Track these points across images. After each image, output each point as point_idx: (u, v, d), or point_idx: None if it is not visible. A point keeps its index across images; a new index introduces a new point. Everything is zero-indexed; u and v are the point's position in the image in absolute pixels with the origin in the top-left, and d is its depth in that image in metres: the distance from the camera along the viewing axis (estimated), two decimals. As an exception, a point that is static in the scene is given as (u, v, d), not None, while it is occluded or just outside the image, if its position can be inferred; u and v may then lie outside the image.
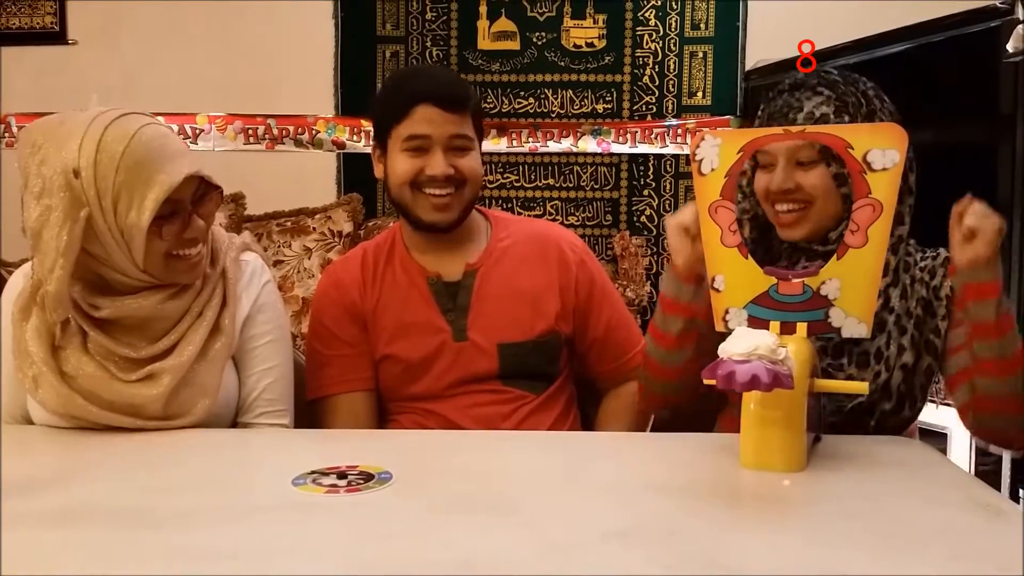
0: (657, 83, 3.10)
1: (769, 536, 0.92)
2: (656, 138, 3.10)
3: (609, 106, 3.10)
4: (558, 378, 1.53)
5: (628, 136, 3.10)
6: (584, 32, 3.12)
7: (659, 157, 3.12)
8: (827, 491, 1.05)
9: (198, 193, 1.27)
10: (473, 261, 1.54)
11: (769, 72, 2.95)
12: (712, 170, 1.19)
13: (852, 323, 1.16)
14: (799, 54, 2.82)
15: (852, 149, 1.13)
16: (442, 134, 1.44)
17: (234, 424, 1.39)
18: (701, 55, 3.09)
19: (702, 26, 3.08)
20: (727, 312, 1.20)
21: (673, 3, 3.08)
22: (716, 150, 1.18)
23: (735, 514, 1.01)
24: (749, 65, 3.05)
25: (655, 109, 3.10)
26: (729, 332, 1.16)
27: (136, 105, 1.29)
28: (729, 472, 1.12)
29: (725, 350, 1.06)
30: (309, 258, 2.92)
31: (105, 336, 1.26)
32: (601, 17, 3.11)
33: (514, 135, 3.17)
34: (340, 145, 3.24)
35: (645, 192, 3.12)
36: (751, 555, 0.87)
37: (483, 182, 1.59)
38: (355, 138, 3.23)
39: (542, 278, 1.54)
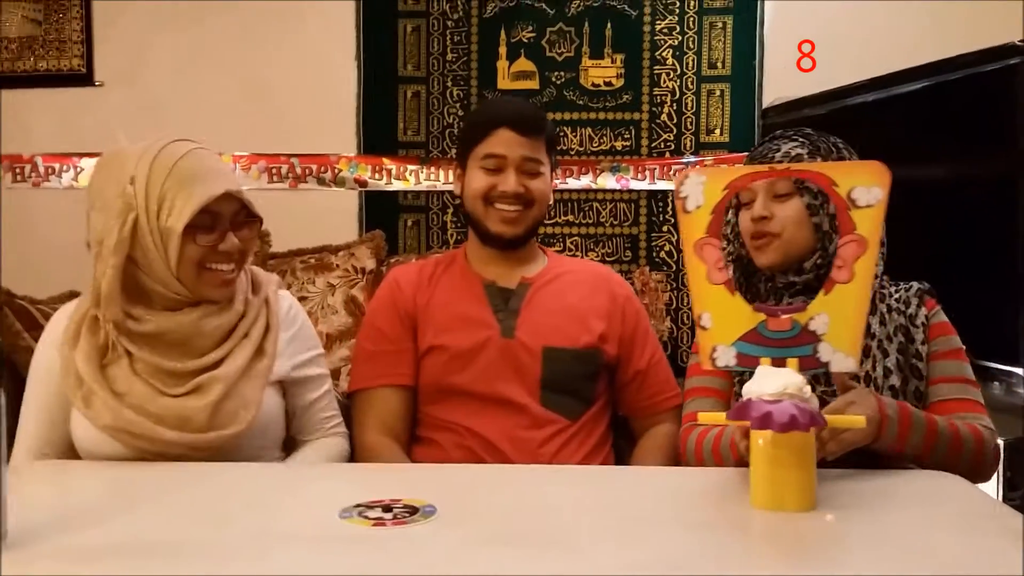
0: (675, 120, 3.14)
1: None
2: (674, 174, 3.13)
3: (628, 143, 3.14)
4: (595, 404, 1.57)
5: (647, 173, 3.13)
6: (602, 71, 3.16)
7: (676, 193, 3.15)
8: (874, 529, 1.06)
9: (238, 218, 1.36)
10: (529, 276, 1.66)
11: (786, 109, 2.99)
12: (697, 207, 1.19)
13: (840, 357, 1.16)
14: (813, 93, 2.86)
15: (837, 186, 1.15)
16: (516, 156, 1.58)
17: (294, 444, 1.50)
18: (718, 93, 3.13)
19: (719, 65, 3.13)
20: (715, 350, 1.20)
21: (690, 43, 3.12)
22: (701, 187, 1.18)
23: (783, 551, 1.02)
24: (766, 103, 3.08)
25: (673, 146, 3.14)
26: (716, 368, 1.20)
27: (121, 147, 1.39)
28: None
29: (752, 391, 1.07)
30: (333, 294, 2.95)
31: (150, 352, 1.32)
32: (619, 57, 3.15)
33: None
34: (362, 183, 3.28)
35: (664, 228, 3.14)
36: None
37: (548, 203, 1.69)
38: (377, 176, 3.27)
39: (591, 301, 1.64)
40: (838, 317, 1.16)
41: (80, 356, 1.33)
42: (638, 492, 1.21)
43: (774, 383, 1.06)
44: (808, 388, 1.09)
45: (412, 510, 1.10)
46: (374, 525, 1.06)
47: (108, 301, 1.32)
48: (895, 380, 1.39)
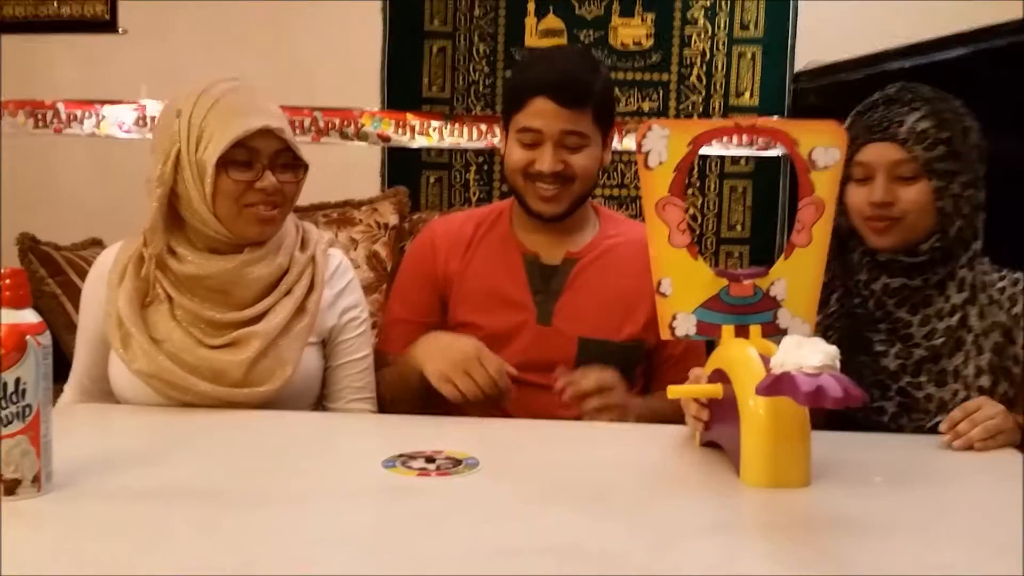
0: (704, 83, 3.10)
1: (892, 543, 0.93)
2: (702, 138, 3.09)
3: (655, 105, 3.10)
4: (631, 390, 1.51)
5: (674, 135, 3.09)
6: (632, 31, 3.11)
7: (703, 156, 3.11)
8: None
9: (280, 159, 1.33)
10: (575, 251, 1.54)
11: (819, 74, 2.94)
12: (660, 164, 1.11)
13: (797, 323, 1.13)
14: (851, 57, 2.81)
15: (799, 146, 1.11)
16: (554, 130, 1.43)
17: (320, 407, 1.45)
18: (750, 55, 3.08)
19: (751, 26, 3.08)
20: (674, 318, 1.14)
21: (722, 3, 3.07)
22: (664, 142, 1.10)
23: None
24: (798, 67, 3.04)
25: (701, 109, 3.09)
26: (675, 339, 1.14)
27: (180, 88, 1.38)
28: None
29: (786, 363, 0.95)
30: (355, 249, 2.93)
31: (190, 298, 1.32)
32: (649, 16, 3.10)
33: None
34: (385, 139, 3.25)
35: (689, 191, 3.11)
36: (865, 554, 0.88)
37: (594, 177, 1.52)
38: (400, 132, 3.24)
39: (640, 283, 1.45)
40: (796, 282, 1.13)
41: (122, 297, 1.32)
42: (683, 451, 1.20)
43: (815, 355, 0.96)
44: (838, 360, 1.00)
45: (455, 462, 1.10)
46: (419, 475, 1.05)
47: (151, 233, 1.32)
48: (985, 381, 1.31)
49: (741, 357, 1.06)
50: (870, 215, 1.32)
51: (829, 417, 1.35)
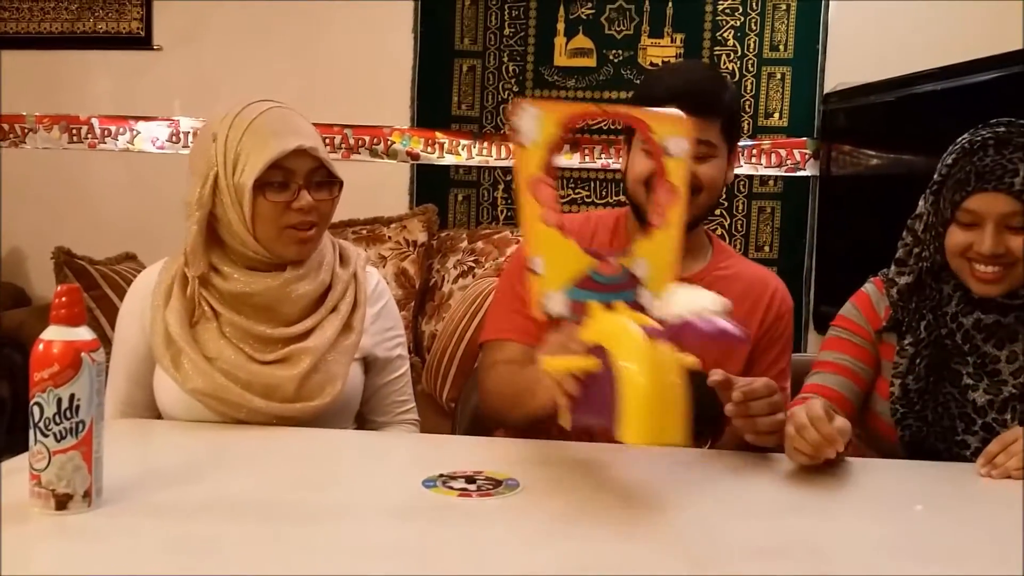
0: (734, 103, 3.10)
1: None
2: (730, 158, 3.10)
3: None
4: (719, 436, 1.44)
5: (702, 155, 3.10)
6: (661, 51, 3.13)
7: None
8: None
9: (315, 178, 1.34)
10: (685, 276, 1.44)
11: (849, 95, 2.94)
12: (533, 142, 1.13)
13: (652, 300, 1.15)
14: (881, 79, 2.81)
15: (654, 134, 1.16)
16: None
17: (364, 422, 1.49)
18: (779, 76, 3.09)
19: (781, 47, 3.08)
20: (545, 296, 1.14)
21: (752, 24, 3.08)
22: (535, 121, 1.13)
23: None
24: (828, 88, 3.04)
25: (730, 129, 3.10)
26: (549, 317, 1.14)
27: (215, 113, 1.40)
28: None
29: (675, 310, 0.99)
30: (384, 266, 2.95)
31: (237, 315, 1.34)
32: (679, 36, 3.12)
33: (587, 151, 3.19)
34: (414, 156, 3.28)
35: (717, 211, 3.11)
36: None
37: (720, 190, 1.48)
38: (429, 150, 3.27)
39: (744, 317, 1.43)
40: (654, 262, 1.17)
41: (172, 316, 1.33)
42: (735, 476, 1.20)
43: (708, 299, 0.98)
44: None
45: (495, 483, 1.10)
46: (459, 495, 1.06)
47: (192, 256, 1.33)
48: None
49: (620, 326, 1.07)
50: (979, 264, 1.29)
51: (911, 452, 1.35)
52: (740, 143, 1.56)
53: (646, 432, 0.99)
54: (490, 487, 1.09)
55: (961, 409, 1.32)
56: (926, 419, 1.34)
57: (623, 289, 1.14)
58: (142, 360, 1.37)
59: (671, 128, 1.15)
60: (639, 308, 1.13)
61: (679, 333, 0.98)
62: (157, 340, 1.34)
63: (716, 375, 1.18)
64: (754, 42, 3.09)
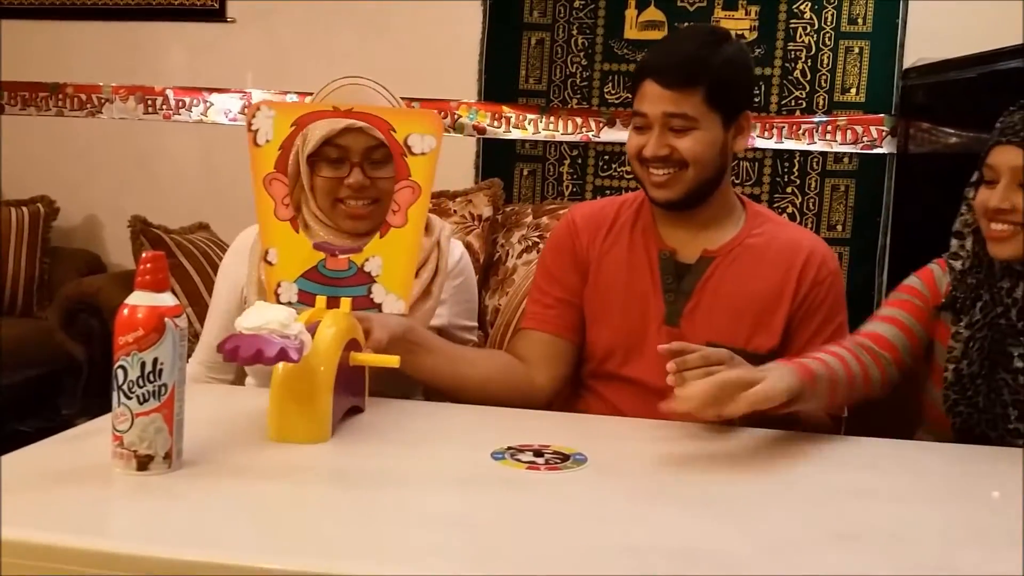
0: (808, 78, 3.03)
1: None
2: (804, 134, 3.03)
3: (756, 99, 3.05)
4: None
5: (774, 131, 3.04)
6: (735, 23, 3.06)
7: (805, 154, 3.05)
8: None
9: (373, 156, 1.37)
10: (712, 248, 1.46)
11: (929, 71, 2.84)
12: (267, 141, 1.21)
13: (392, 299, 1.22)
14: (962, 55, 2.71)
15: (395, 132, 1.20)
16: (657, 112, 1.38)
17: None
18: (857, 51, 3.00)
19: (860, 21, 2.99)
20: (279, 286, 1.23)
21: (830, -3, 3.00)
22: (271, 122, 1.21)
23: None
24: (907, 63, 2.94)
25: (804, 104, 3.03)
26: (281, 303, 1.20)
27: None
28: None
29: (239, 324, 1.05)
30: (449, 240, 2.96)
31: None
32: (754, 8, 3.05)
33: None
34: (481, 131, 3.27)
35: (788, 189, 3.06)
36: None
37: (714, 163, 1.41)
38: (496, 124, 3.26)
39: (778, 287, 1.44)
40: (391, 260, 1.22)
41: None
42: (797, 458, 1.18)
43: (256, 318, 1.03)
44: (297, 325, 1.05)
45: (563, 457, 1.10)
46: (528, 468, 1.06)
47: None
48: None
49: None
50: (993, 222, 1.27)
51: (961, 439, 1.32)
52: (758, 111, 1.53)
53: (281, 431, 1.09)
54: (558, 460, 1.09)
55: (1014, 396, 1.28)
56: (977, 406, 1.31)
57: (352, 284, 1.22)
58: (237, 309, 1.42)
59: (415, 126, 1.20)
60: (371, 304, 1.21)
61: (237, 346, 1.03)
62: (252, 290, 1.41)
63: (671, 346, 1.20)
64: (832, 15, 3.01)
